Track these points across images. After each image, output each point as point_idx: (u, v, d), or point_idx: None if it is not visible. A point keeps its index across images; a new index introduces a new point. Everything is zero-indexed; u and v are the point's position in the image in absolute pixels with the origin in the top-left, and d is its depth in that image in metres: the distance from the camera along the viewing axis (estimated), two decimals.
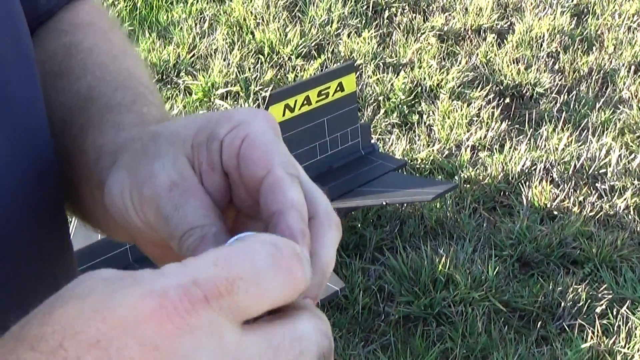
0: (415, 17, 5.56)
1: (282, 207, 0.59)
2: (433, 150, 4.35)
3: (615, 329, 3.25)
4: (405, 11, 5.65)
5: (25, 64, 0.74)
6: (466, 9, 5.65)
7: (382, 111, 4.68)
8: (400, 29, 5.44)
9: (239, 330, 0.48)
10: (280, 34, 5.21)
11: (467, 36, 5.41)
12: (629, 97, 4.88)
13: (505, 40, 5.34)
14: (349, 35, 5.31)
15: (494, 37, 5.32)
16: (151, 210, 0.62)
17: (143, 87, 0.81)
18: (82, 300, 0.46)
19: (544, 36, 5.33)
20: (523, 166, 4.21)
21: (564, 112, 4.71)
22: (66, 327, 0.45)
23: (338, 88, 3.62)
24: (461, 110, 4.63)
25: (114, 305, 0.46)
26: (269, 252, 0.49)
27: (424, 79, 4.87)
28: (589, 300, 3.39)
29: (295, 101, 3.49)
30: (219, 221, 0.61)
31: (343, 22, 5.45)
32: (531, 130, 4.56)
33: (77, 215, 0.81)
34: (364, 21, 5.51)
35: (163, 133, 0.66)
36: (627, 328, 3.24)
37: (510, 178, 4.15)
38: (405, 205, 3.87)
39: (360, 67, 4.99)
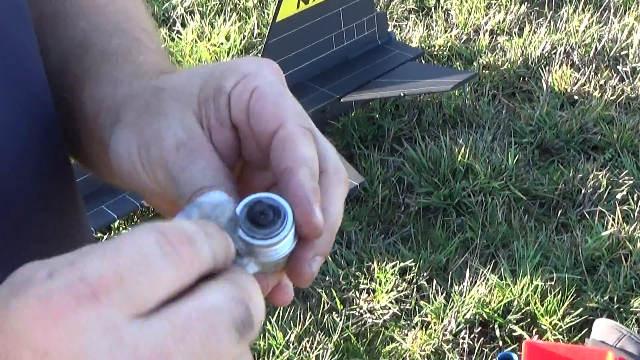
0: None
1: (294, 165, 0.58)
2: (451, 36, 4.28)
3: (636, 214, 3.24)
4: None
5: (15, 4, 0.71)
6: None
7: None
8: None
9: (138, 321, 0.46)
10: None
11: None
12: None
13: None
14: None
15: None
16: (160, 171, 0.62)
17: (140, 29, 0.79)
18: None
19: None
20: (543, 50, 4.14)
21: None
22: None
23: None
24: None
25: (8, 315, 0.45)
26: (155, 240, 0.47)
27: None
28: (610, 186, 3.38)
29: None
30: (227, 181, 0.60)
31: None
32: (551, 12, 4.48)
33: (83, 164, 0.80)
34: None
35: (166, 88, 0.65)
36: None
37: (529, 63, 4.10)
38: (423, 94, 3.84)
39: None
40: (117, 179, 0.70)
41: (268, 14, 4.47)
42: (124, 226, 3.21)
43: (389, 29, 3.92)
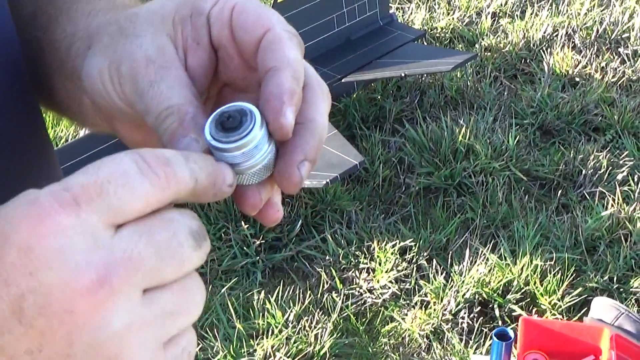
0: None
1: (279, 65, 0.60)
2: (453, 18, 4.28)
3: (636, 195, 3.24)
4: None
5: None
6: None
7: None
8: None
9: (111, 229, 0.50)
10: None
11: None
12: None
13: None
14: None
15: None
16: (128, 86, 0.63)
17: None
18: None
19: None
20: (545, 32, 4.14)
21: None
22: None
23: None
24: None
25: None
26: (133, 159, 0.51)
27: None
28: (610, 167, 3.38)
29: None
30: (194, 99, 0.61)
31: None
32: None
33: (53, 109, 0.81)
34: None
35: (140, 13, 0.65)
36: None
37: (531, 45, 4.09)
38: (425, 75, 3.84)
39: None
40: (84, 113, 0.71)
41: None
42: None
43: (391, 11, 3.92)
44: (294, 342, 2.75)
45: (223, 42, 0.63)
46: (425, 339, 2.80)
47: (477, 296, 2.88)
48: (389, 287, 2.94)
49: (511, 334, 2.06)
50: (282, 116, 0.58)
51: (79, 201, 0.49)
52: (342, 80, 3.49)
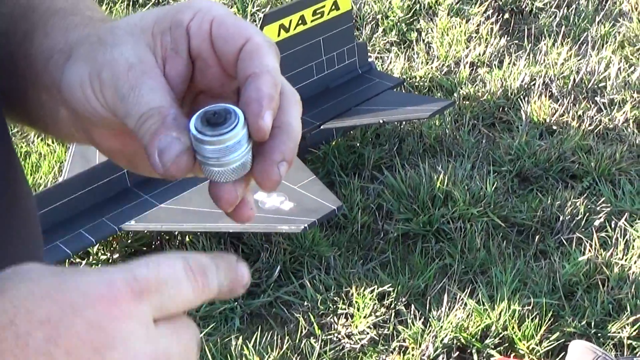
0: None
1: (259, 71, 0.64)
2: (432, 67, 4.32)
3: (613, 241, 3.26)
4: None
5: None
6: None
7: (380, 30, 4.64)
8: None
9: (155, 324, 0.56)
10: None
11: None
12: (629, 10, 4.83)
13: None
14: None
15: None
16: (109, 92, 0.65)
17: None
18: (34, 283, 0.52)
19: None
20: (522, 81, 4.19)
21: (564, 27, 4.66)
22: (19, 306, 0.51)
23: (333, 7, 3.58)
24: (460, 26, 4.59)
25: (65, 289, 0.52)
26: (183, 266, 0.57)
27: None
28: (587, 214, 3.40)
29: (290, 21, 3.46)
30: (173, 103, 0.64)
31: None
32: (530, 45, 4.53)
33: (23, 121, 0.83)
34: None
35: (120, 25, 0.68)
36: (624, 240, 3.26)
37: (509, 94, 4.13)
38: (403, 123, 3.87)
39: None
40: (59, 125, 0.74)
41: None
42: (102, 252, 3.20)
43: (370, 59, 3.96)
44: None
45: (202, 52, 0.67)
46: None
47: (455, 341, 2.88)
48: (368, 333, 2.93)
49: None
50: (261, 118, 0.63)
51: (143, 293, 0.54)
52: (321, 127, 3.51)
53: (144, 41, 0.66)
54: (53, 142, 3.86)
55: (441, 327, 2.91)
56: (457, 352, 2.87)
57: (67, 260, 3.05)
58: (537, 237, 3.32)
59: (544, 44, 4.50)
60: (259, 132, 0.64)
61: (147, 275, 0.55)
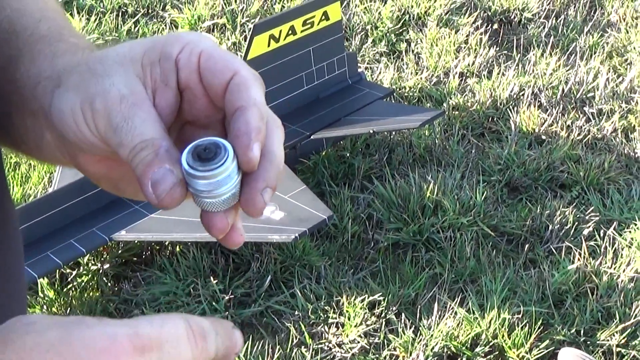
0: None
1: (246, 104, 0.67)
2: (421, 78, 4.34)
3: (602, 250, 3.28)
4: None
5: None
6: None
7: (369, 40, 4.66)
8: None
9: None
10: None
11: None
12: (617, 21, 4.87)
13: None
14: None
15: None
16: (102, 122, 0.67)
17: (63, 19, 0.83)
18: (40, 335, 0.54)
19: None
20: (511, 92, 4.21)
21: (552, 37, 4.69)
22: (25, 358, 0.53)
23: (323, 17, 3.60)
24: (449, 37, 4.61)
25: (70, 342, 0.54)
26: (185, 327, 0.58)
27: (412, 6, 4.84)
28: (577, 223, 3.42)
29: (280, 31, 3.48)
30: (165, 134, 0.67)
31: None
32: (519, 55, 4.56)
33: (5, 144, 0.84)
34: None
35: (109, 55, 0.70)
36: (613, 249, 3.28)
37: (498, 104, 4.16)
38: (393, 133, 3.88)
39: None
40: (42, 148, 0.75)
41: (241, 57, 4.51)
42: (93, 262, 3.20)
43: (360, 70, 3.97)
44: None
45: (190, 84, 0.69)
46: None
47: (445, 350, 2.89)
48: (358, 342, 2.94)
49: None
50: (251, 150, 0.66)
51: (144, 350, 0.56)
52: (311, 137, 3.53)
53: (134, 72, 0.68)
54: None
55: (431, 335, 2.92)
56: None
57: (57, 270, 3.05)
58: (526, 246, 3.33)
59: (533, 54, 4.53)
60: (248, 164, 0.66)
61: (150, 333, 0.56)
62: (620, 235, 3.36)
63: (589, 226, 3.40)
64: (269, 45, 3.44)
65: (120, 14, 4.83)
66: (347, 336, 2.96)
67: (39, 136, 0.75)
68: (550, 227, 3.38)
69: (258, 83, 0.68)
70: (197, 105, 0.70)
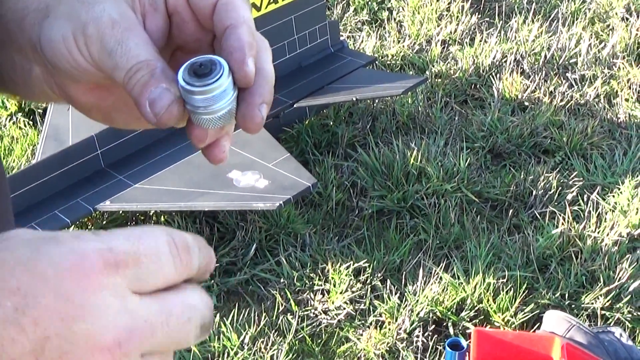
0: None
1: (235, 22, 0.68)
2: (403, 46, 4.33)
3: (586, 214, 3.29)
4: None
5: None
6: None
7: (351, 9, 4.65)
8: None
9: (136, 296, 0.55)
10: None
11: None
12: None
13: None
14: None
15: None
16: (95, 47, 0.67)
17: None
18: (9, 252, 0.53)
19: None
20: (494, 59, 4.21)
21: (534, 4, 4.69)
22: None
23: None
24: (431, 5, 4.60)
25: (37, 259, 0.52)
26: (167, 241, 0.57)
27: None
28: (560, 188, 3.43)
29: (262, 0, 3.46)
30: (159, 56, 0.67)
31: None
32: (501, 22, 4.55)
33: None
34: None
35: None
36: (597, 213, 3.29)
37: (481, 71, 4.16)
38: (376, 101, 3.88)
39: None
40: (31, 84, 0.76)
41: None
42: None
43: (342, 38, 3.96)
44: None
45: (178, 8, 0.71)
46: (380, 359, 2.81)
47: (431, 315, 2.90)
48: (344, 308, 2.95)
49: (464, 343, 2.08)
50: (246, 65, 0.67)
51: (119, 265, 0.54)
52: (294, 106, 3.52)
53: None
54: (25, 125, 3.84)
55: (417, 301, 2.92)
56: (433, 326, 2.89)
57: None
58: (510, 211, 3.34)
59: (515, 21, 4.52)
60: (245, 78, 0.67)
61: (126, 248, 0.55)
62: (604, 199, 3.37)
63: (573, 191, 3.41)
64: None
65: None
66: (332, 303, 2.96)
67: (27, 72, 0.75)
68: (534, 192, 3.39)
69: (246, 3, 0.69)
70: (186, 29, 0.71)
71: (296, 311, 2.95)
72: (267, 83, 0.69)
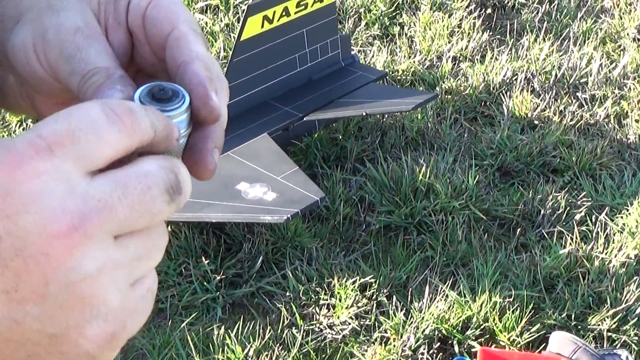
0: None
1: (188, 58, 0.64)
2: (414, 61, 4.33)
3: (594, 235, 3.28)
4: None
5: None
6: None
7: (363, 23, 4.65)
8: None
9: (87, 177, 0.53)
10: None
11: None
12: (611, 7, 4.86)
13: None
14: None
15: None
16: (53, 53, 0.65)
17: None
18: None
19: None
20: (504, 76, 4.20)
21: (546, 22, 4.69)
22: None
23: None
24: (442, 21, 4.60)
25: None
26: (101, 109, 0.54)
27: None
28: (568, 208, 3.42)
29: (274, 12, 3.45)
30: (119, 66, 0.65)
31: None
32: (512, 40, 4.55)
33: None
34: None
35: None
36: (605, 234, 3.28)
37: (491, 88, 4.15)
38: (386, 116, 3.87)
39: None
40: (10, 95, 0.74)
41: (234, 38, 4.49)
42: None
43: (353, 53, 3.96)
44: None
45: (135, 29, 0.68)
46: None
47: (436, 332, 2.89)
48: (349, 323, 2.94)
49: None
50: (211, 99, 0.63)
51: (53, 148, 0.52)
52: (304, 119, 3.51)
53: (90, 7, 0.67)
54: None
55: (422, 318, 2.91)
56: (438, 343, 2.88)
57: None
58: (518, 230, 3.33)
59: (526, 39, 4.52)
60: (212, 113, 0.63)
61: (56, 129, 0.52)
62: (612, 220, 3.36)
63: (581, 211, 3.40)
64: (262, 27, 3.42)
65: None
66: (338, 318, 2.95)
67: (3, 80, 0.73)
68: (542, 211, 3.38)
69: (200, 38, 0.65)
70: (142, 51, 0.68)
71: (301, 325, 2.94)
72: (220, 126, 0.65)
